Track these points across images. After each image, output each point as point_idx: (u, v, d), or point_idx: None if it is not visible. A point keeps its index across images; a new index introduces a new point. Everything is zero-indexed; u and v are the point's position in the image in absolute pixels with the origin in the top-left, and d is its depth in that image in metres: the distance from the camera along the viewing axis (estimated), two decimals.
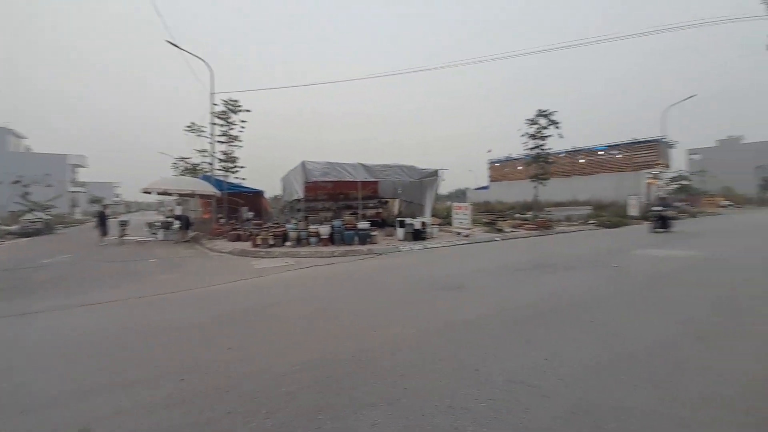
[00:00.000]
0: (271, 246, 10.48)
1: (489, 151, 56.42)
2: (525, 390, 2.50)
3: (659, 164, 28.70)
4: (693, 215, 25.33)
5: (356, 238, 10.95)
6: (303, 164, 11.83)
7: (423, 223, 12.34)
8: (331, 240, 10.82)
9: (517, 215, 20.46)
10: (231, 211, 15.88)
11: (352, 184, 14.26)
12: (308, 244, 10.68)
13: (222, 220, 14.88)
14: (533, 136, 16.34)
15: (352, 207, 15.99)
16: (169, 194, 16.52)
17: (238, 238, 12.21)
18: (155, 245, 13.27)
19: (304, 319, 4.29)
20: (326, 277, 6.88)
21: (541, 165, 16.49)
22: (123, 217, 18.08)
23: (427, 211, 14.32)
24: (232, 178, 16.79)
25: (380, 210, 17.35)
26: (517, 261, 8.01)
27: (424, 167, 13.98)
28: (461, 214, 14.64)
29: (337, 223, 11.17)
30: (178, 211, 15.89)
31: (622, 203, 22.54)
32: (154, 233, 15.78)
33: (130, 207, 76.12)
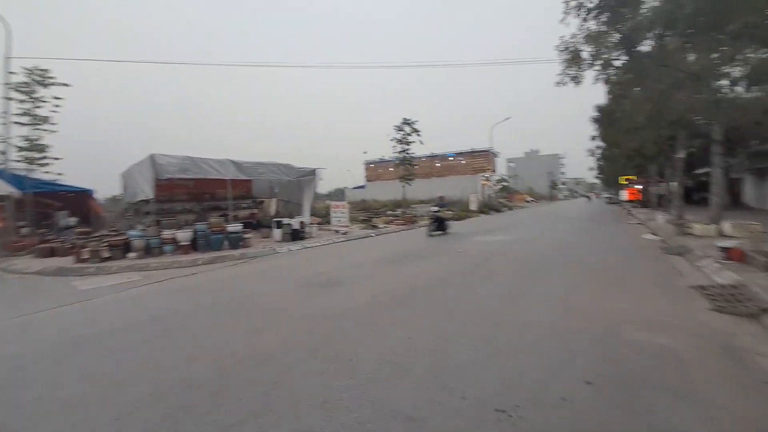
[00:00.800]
0: (106, 259, 8.41)
1: (365, 153, 59.42)
2: (392, 369, 2.78)
3: (489, 169, 36.91)
4: (510, 208, 33.93)
5: (226, 243, 9.89)
6: (152, 158, 9.89)
7: (302, 222, 12.10)
8: (194, 246, 9.45)
9: (389, 212, 22.33)
10: (41, 217, 11.96)
11: (221, 183, 12.76)
12: (162, 253, 9.03)
13: (25, 230, 11.05)
14: (400, 141, 18.11)
15: (221, 208, 14.36)
16: None
17: (52, 253, 9.33)
18: None
19: (150, 344, 3.61)
20: (185, 290, 5.97)
21: (406, 167, 18.42)
22: None
23: (306, 210, 14.08)
24: (40, 173, 12.63)
25: (255, 210, 16.11)
26: (388, 253, 8.76)
27: (301, 166, 13.67)
28: (339, 213, 15.01)
29: (200, 226, 9.80)
30: None
31: (465, 200, 28.09)
32: None
33: None
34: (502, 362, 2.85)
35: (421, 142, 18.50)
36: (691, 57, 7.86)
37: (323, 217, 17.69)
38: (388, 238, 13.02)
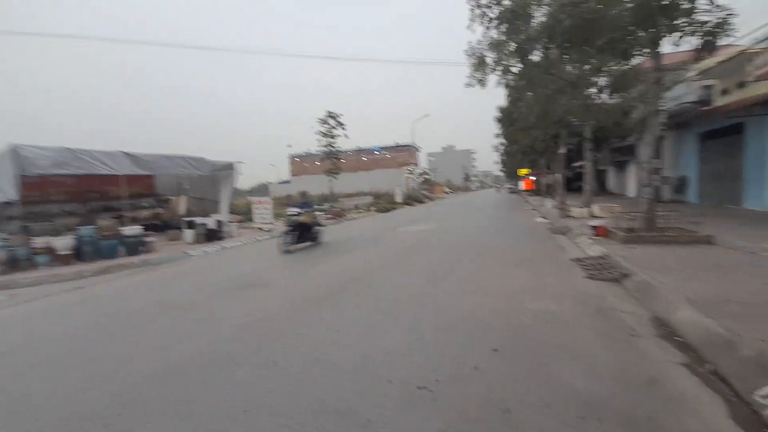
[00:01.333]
0: None
1: (289, 146, 57.04)
2: (319, 366, 2.75)
3: (412, 163, 39.00)
4: (432, 199, 36.66)
5: (122, 249, 8.56)
6: (14, 150, 7.94)
7: (218, 221, 11.10)
8: (78, 256, 7.95)
9: (317, 207, 21.95)
10: None
11: (113, 180, 10.91)
12: (34, 266, 7.41)
13: None
14: (325, 135, 17.76)
15: (115, 209, 12.31)
16: None
17: None
18: None
19: (27, 375, 2.97)
20: (68, 308, 5.01)
21: (332, 161, 18.21)
22: None
23: (224, 207, 12.92)
24: None
25: (159, 210, 14.19)
26: (316, 248, 8.61)
27: (216, 160, 12.43)
28: (263, 209, 14.21)
29: (85, 231, 8.26)
30: None
31: (391, 193, 29.28)
32: None
33: None
34: (425, 343, 3.06)
35: (346, 136, 18.40)
36: (569, 68, 9.38)
37: (245, 215, 16.53)
38: None
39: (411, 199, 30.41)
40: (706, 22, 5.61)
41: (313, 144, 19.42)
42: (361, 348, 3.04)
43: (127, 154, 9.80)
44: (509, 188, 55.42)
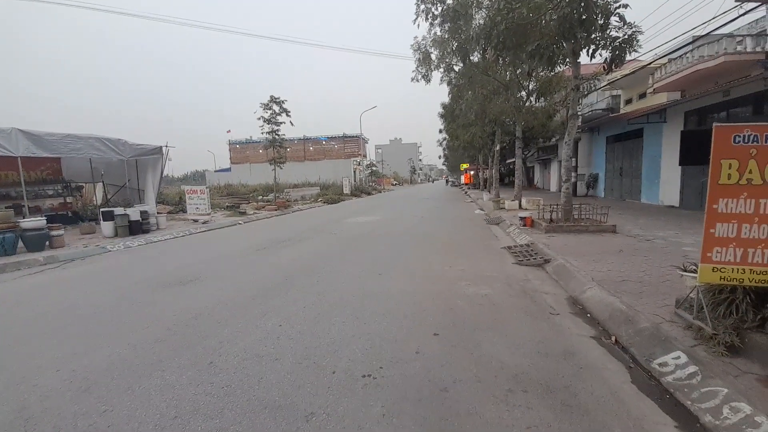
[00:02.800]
0: None
1: (228, 132, 53.08)
2: (259, 362, 2.66)
3: (360, 155, 38.91)
4: (379, 191, 36.99)
5: (22, 244, 7.32)
6: None
7: (143, 212, 9.97)
8: None
9: (260, 197, 20.85)
10: None
11: (8, 162, 9.22)
12: None
13: None
14: (268, 121, 16.79)
15: (11, 197, 10.51)
16: None
17: None
18: None
19: None
20: None
21: (277, 149, 17.34)
22: None
23: (150, 197, 11.64)
24: None
25: (69, 199, 12.35)
26: (258, 241, 8.23)
27: (140, 143, 11.07)
28: (197, 199, 13.16)
29: None
30: None
31: (339, 184, 28.98)
32: None
33: None
34: (369, 331, 3.13)
35: (292, 123, 17.49)
36: (504, 71, 10.08)
37: (176, 205, 15.15)
38: (259, 224, 12.19)
39: (359, 191, 30.40)
40: (616, 38, 6.40)
41: (254, 130, 18.24)
42: (305, 339, 3.01)
43: (24, 133, 8.31)
44: (451, 182, 58.74)
